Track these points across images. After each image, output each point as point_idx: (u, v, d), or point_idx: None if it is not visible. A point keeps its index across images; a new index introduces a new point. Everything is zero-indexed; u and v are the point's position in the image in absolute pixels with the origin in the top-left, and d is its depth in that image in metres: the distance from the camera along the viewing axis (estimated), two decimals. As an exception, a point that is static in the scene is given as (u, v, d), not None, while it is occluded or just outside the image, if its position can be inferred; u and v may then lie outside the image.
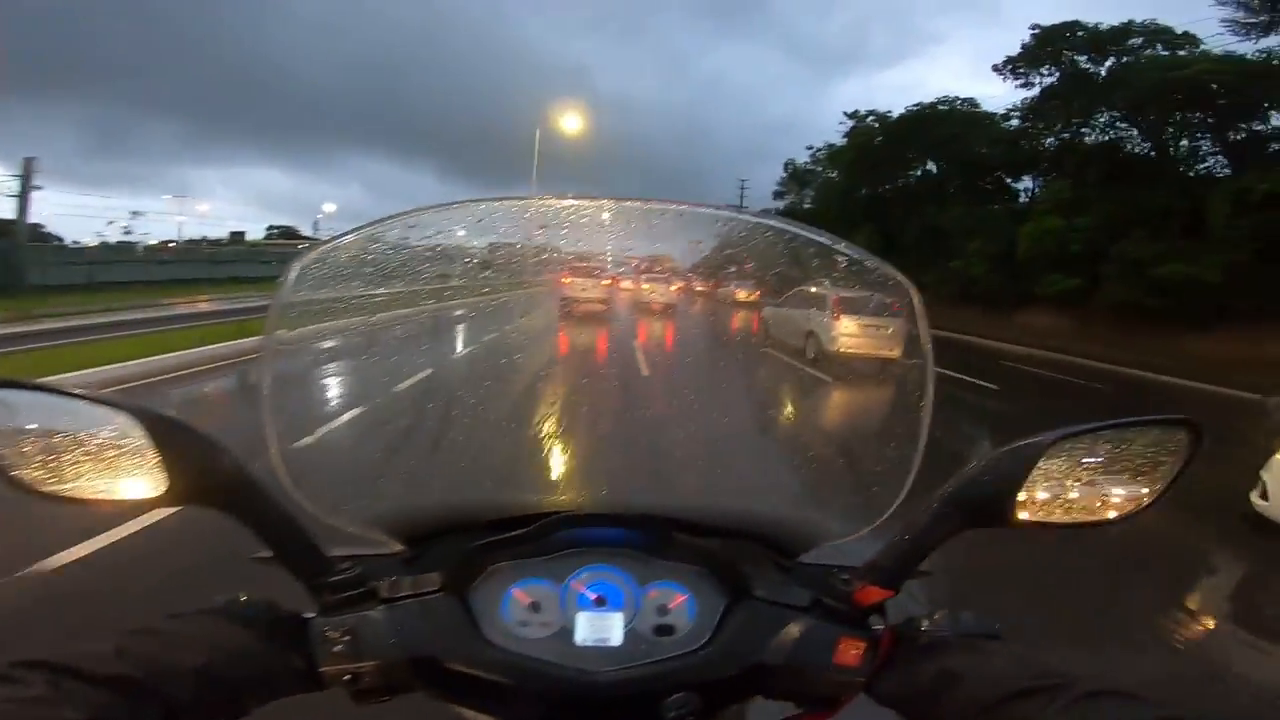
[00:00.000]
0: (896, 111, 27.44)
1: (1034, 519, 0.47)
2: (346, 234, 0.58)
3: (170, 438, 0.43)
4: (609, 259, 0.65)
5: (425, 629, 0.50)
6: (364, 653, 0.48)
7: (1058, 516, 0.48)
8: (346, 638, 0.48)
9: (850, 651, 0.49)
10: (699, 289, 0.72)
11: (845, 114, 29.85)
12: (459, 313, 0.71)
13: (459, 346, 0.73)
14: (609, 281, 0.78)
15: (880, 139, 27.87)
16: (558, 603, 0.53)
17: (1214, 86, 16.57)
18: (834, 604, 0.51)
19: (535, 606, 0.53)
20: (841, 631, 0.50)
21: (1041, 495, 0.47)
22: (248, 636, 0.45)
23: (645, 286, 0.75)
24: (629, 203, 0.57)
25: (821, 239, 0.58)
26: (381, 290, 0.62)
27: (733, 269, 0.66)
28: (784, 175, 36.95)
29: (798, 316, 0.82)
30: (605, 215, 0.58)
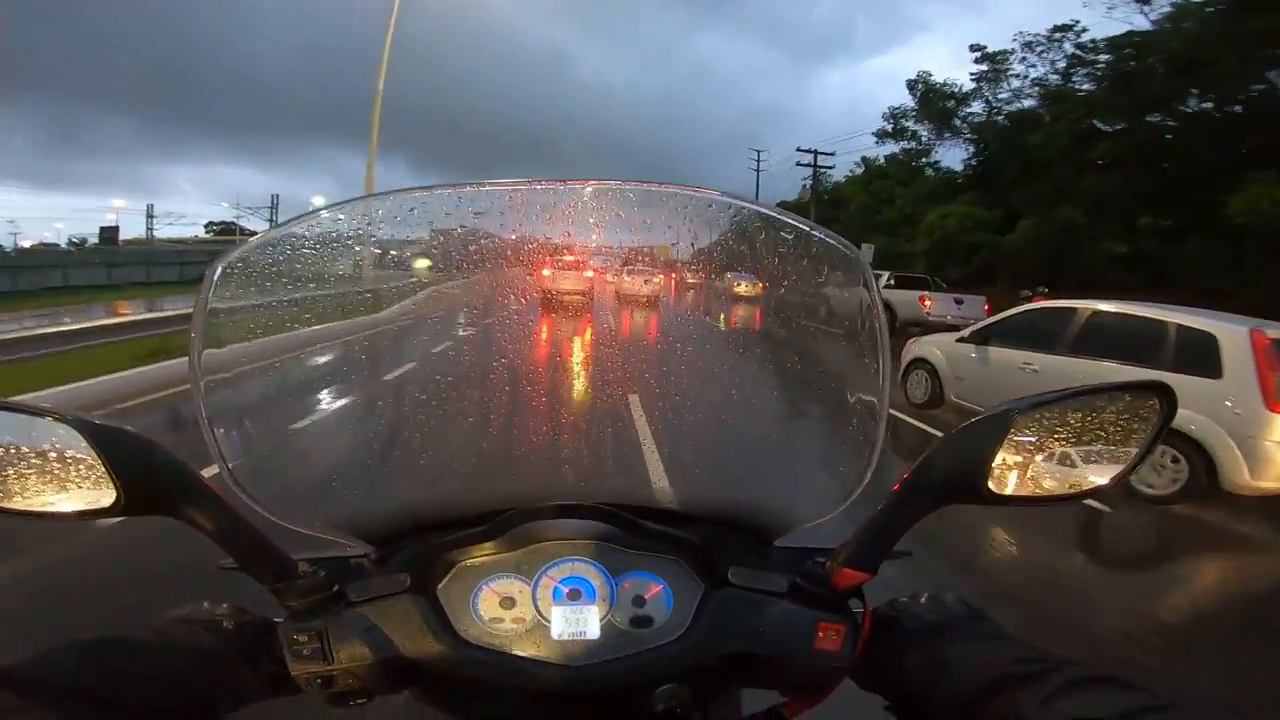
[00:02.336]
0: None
1: (1008, 493, 0.46)
2: (276, 228, 0.55)
3: (116, 447, 0.42)
4: (587, 248, 0.62)
5: (395, 630, 0.49)
6: (334, 656, 0.47)
7: (1031, 489, 0.47)
8: (315, 642, 0.47)
9: (830, 636, 0.49)
10: (690, 281, 0.70)
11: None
12: (412, 310, 0.67)
13: (416, 345, 0.70)
14: (578, 265, 0.75)
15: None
16: (530, 598, 0.52)
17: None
18: (811, 588, 0.50)
19: (508, 602, 0.52)
20: (820, 616, 0.49)
21: (1014, 468, 0.46)
22: (216, 642, 0.45)
23: (626, 279, 0.74)
24: (607, 185, 0.54)
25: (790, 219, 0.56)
26: (321, 291, 0.58)
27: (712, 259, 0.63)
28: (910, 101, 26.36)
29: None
30: (584, 197, 0.54)
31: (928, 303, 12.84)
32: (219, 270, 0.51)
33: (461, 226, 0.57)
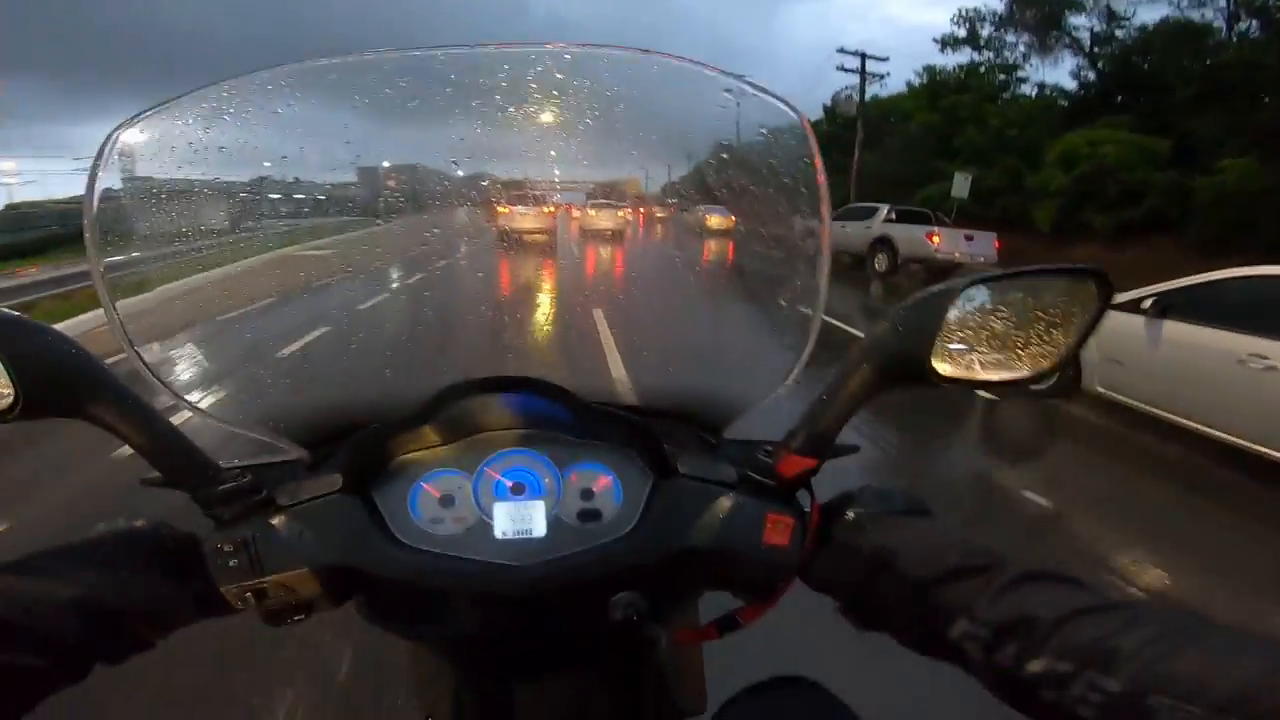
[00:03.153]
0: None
1: (951, 374, 0.45)
2: (164, 104, 0.46)
3: (13, 337, 0.38)
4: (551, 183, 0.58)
5: (327, 534, 0.46)
6: (263, 567, 0.44)
7: (976, 372, 0.46)
8: (243, 552, 0.44)
9: (779, 528, 0.48)
10: (659, 215, 0.68)
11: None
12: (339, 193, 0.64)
13: (348, 232, 0.66)
14: (551, 210, 0.73)
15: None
16: (471, 494, 0.50)
17: None
18: (760, 479, 0.49)
19: (447, 500, 0.50)
20: (768, 507, 0.48)
21: (956, 348, 0.45)
22: (135, 562, 0.41)
23: (593, 213, 0.72)
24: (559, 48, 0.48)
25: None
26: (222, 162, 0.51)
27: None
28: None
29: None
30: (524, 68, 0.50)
31: (936, 239, 11.49)
32: (114, 142, 0.45)
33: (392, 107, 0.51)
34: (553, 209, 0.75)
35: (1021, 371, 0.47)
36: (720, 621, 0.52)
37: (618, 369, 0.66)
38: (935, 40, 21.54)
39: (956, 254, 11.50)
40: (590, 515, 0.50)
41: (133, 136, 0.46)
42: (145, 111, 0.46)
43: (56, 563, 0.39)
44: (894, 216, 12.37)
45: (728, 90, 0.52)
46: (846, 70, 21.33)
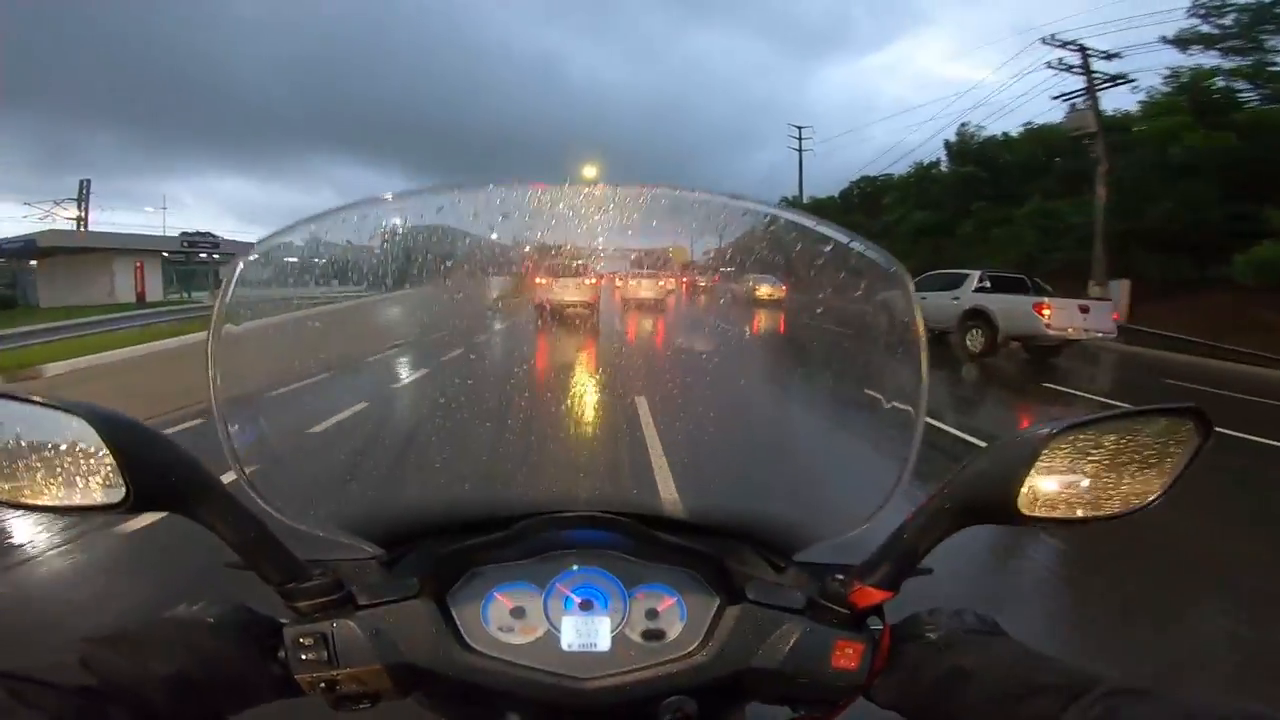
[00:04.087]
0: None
1: (1037, 514, 0.45)
2: (289, 229, 0.54)
3: (128, 441, 0.41)
4: (598, 254, 0.63)
5: (402, 635, 0.48)
6: (339, 660, 0.47)
7: (1062, 511, 0.46)
8: (321, 646, 0.46)
9: (848, 654, 0.48)
10: (701, 284, 0.71)
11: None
12: (425, 314, 0.69)
13: (431, 347, 0.71)
14: (594, 280, 0.77)
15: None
16: (542, 607, 0.52)
17: None
18: (830, 606, 0.49)
19: (519, 611, 0.52)
20: (838, 634, 0.48)
21: (1045, 490, 0.45)
22: (220, 643, 0.44)
23: (635, 283, 0.75)
24: (617, 189, 0.53)
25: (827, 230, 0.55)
26: (336, 289, 0.59)
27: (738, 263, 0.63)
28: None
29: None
30: (592, 202, 0.54)
31: (1046, 312, 9.59)
32: (237, 271, 0.51)
33: (478, 232, 0.58)
34: (595, 280, 0.77)
35: (1111, 509, 0.46)
36: None
37: (667, 485, 0.67)
38: (1165, 40, 15.03)
39: (1070, 330, 9.72)
40: (654, 635, 0.52)
41: (253, 264, 0.52)
42: (263, 240, 0.54)
43: (153, 638, 0.42)
44: (988, 284, 10.73)
45: (822, 244, 0.56)
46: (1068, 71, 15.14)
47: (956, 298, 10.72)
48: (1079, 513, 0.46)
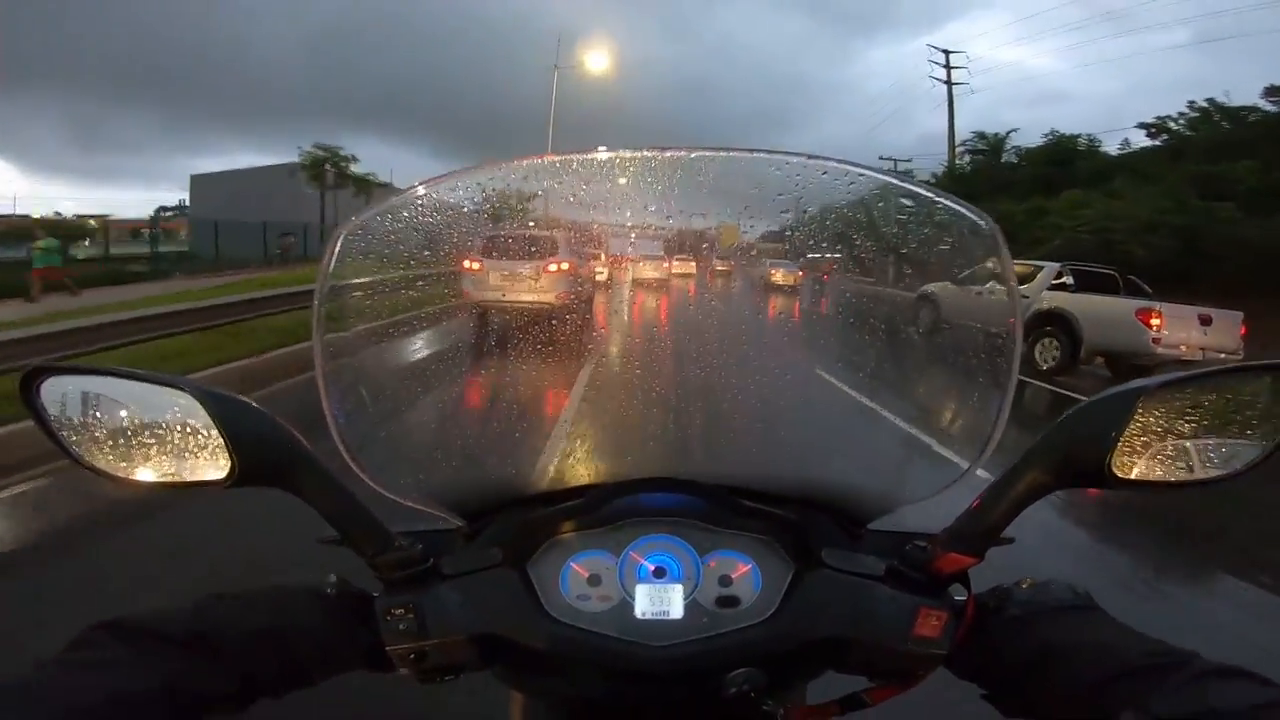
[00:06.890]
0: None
1: (1132, 477, 0.43)
2: (388, 202, 0.56)
3: (234, 417, 0.43)
4: (670, 226, 0.61)
5: (487, 605, 0.50)
6: (428, 631, 0.48)
7: (1158, 474, 0.43)
8: (411, 616, 0.48)
9: (931, 622, 0.47)
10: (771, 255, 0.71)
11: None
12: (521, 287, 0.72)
13: (515, 322, 0.72)
14: (667, 262, 0.78)
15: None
16: (616, 575, 0.53)
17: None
18: (911, 573, 0.49)
19: (594, 579, 0.53)
20: (921, 602, 0.47)
21: (1140, 451, 0.43)
22: (317, 612, 0.46)
23: (718, 264, 0.74)
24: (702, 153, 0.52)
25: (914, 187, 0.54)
26: (433, 267, 0.60)
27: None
28: None
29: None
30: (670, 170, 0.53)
31: (1156, 321, 7.06)
32: (340, 240, 0.52)
33: (573, 196, 0.57)
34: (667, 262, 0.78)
35: (1209, 473, 0.44)
36: (845, 700, 0.51)
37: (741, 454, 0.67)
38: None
39: (1183, 347, 7.06)
40: (728, 601, 0.52)
41: (354, 233, 0.53)
42: (365, 212, 0.56)
43: (258, 600, 0.44)
44: (1071, 281, 8.14)
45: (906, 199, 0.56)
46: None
47: (1025, 295, 7.72)
48: (1176, 476, 0.43)
